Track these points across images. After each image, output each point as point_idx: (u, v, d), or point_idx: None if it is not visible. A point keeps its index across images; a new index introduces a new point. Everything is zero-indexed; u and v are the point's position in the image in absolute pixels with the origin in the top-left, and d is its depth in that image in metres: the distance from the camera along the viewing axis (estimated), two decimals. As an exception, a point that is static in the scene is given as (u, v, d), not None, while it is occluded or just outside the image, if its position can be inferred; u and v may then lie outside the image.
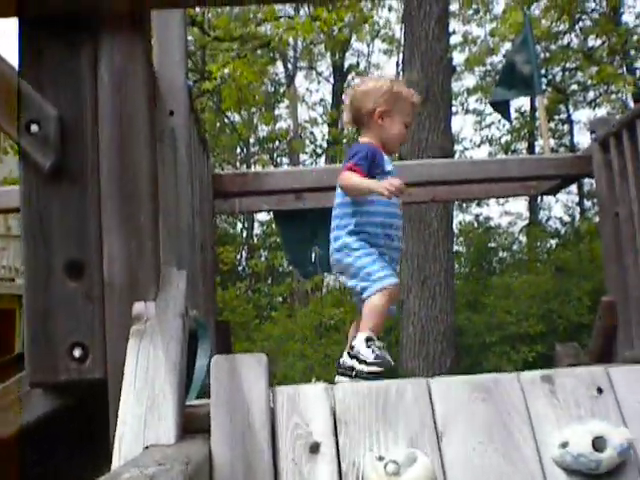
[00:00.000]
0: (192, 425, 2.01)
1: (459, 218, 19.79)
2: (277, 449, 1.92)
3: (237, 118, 20.22)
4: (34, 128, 2.30)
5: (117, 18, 2.36)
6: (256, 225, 23.08)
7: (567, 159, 5.29)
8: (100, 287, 2.27)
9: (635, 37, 16.64)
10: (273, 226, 18.39)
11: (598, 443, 1.95)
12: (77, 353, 2.26)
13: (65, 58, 2.36)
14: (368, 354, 2.85)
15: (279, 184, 5.05)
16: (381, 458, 1.89)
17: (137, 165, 2.33)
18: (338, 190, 3.22)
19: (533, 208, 20.80)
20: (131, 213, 2.30)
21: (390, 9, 18.94)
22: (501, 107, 7.83)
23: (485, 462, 1.94)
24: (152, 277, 2.28)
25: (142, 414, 1.89)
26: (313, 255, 6.06)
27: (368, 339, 2.91)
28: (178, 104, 3.48)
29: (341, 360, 2.96)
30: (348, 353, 2.95)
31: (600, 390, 2.11)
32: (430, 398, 2.05)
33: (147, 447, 1.80)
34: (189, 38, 16.25)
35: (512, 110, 11.45)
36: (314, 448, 1.92)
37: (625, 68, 17.93)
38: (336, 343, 13.98)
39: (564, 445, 1.97)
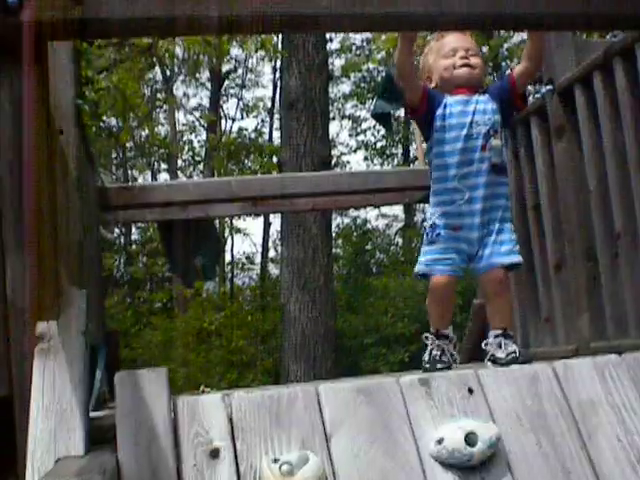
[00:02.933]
0: (98, 436, 2.15)
1: (337, 221, 20.17)
2: (180, 456, 2.07)
3: (113, 122, 19.98)
4: None
5: (17, 49, 2.45)
6: (134, 230, 22.86)
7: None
8: (3, 307, 2.37)
9: (506, 46, 17.27)
10: (151, 231, 18.27)
11: (470, 439, 2.18)
12: (-17, 372, 2.35)
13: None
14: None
15: (165, 197, 5.17)
16: (276, 460, 2.07)
17: (37, 187, 2.43)
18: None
19: (409, 211, 21.37)
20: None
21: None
22: (382, 119, 8.09)
23: (370, 459, 2.14)
24: (53, 296, 2.39)
25: (52, 428, 2.01)
26: (197, 264, 6.19)
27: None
28: (67, 123, 3.57)
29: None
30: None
31: (471, 390, 2.34)
32: (319, 403, 2.24)
33: (58, 459, 1.92)
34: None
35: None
36: (214, 453, 2.08)
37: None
38: (217, 348, 14.07)
39: (440, 441, 2.19)
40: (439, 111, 3.28)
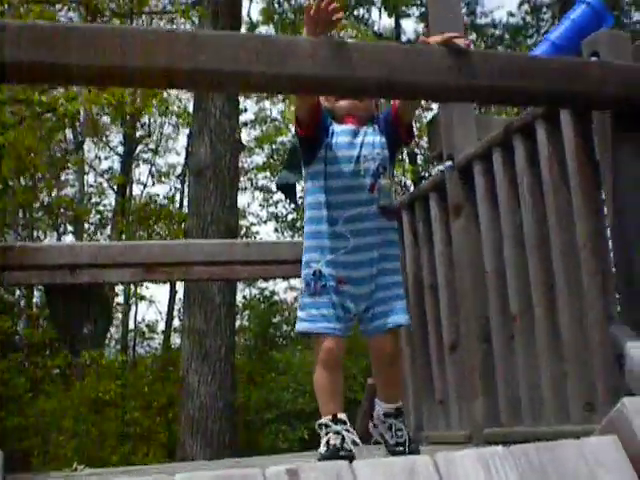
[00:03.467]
0: None
1: (244, 292, 19.89)
2: None
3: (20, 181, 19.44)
4: None
5: None
6: (36, 293, 22.12)
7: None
8: None
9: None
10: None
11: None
12: None
13: None
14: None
15: (50, 259, 4.88)
16: None
17: None
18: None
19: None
20: None
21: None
22: (287, 190, 7.96)
23: None
24: None
25: None
26: (85, 330, 5.91)
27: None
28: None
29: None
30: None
31: (344, 482, 2.14)
32: (175, 493, 2.01)
33: None
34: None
35: (298, 191, 11.72)
36: None
37: (407, 155, 18.88)
38: (111, 419, 13.54)
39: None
40: (326, 139, 2.91)
